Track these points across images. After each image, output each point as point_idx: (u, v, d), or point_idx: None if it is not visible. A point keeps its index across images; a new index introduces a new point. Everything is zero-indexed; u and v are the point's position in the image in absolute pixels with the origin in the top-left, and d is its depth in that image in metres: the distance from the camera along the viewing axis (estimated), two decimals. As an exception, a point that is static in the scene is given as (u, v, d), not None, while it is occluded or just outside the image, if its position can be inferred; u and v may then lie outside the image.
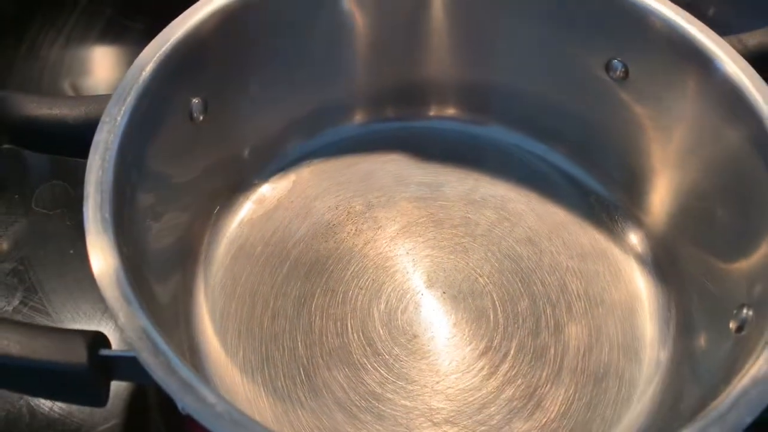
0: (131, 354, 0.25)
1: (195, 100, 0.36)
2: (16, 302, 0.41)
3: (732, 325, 0.31)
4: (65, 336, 0.27)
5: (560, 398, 0.36)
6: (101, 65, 0.56)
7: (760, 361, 0.25)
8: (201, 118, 0.37)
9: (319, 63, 0.40)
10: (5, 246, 0.43)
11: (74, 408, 0.38)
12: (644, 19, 0.35)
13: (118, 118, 0.31)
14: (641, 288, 0.39)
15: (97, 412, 0.37)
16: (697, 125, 0.36)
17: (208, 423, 0.23)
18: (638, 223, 0.41)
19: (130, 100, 0.32)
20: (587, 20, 0.37)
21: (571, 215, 0.42)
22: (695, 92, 0.35)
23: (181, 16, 0.35)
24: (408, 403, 0.36)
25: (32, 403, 0.37)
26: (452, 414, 0.36)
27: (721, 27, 0.67)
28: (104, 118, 0.31)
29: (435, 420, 0.35)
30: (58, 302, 0.41)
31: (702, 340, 0.34)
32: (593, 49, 0.38)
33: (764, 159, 0.31)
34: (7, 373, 0.26)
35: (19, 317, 0.40)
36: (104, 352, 0.27)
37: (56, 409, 0.37)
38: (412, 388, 0.36)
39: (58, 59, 0.54)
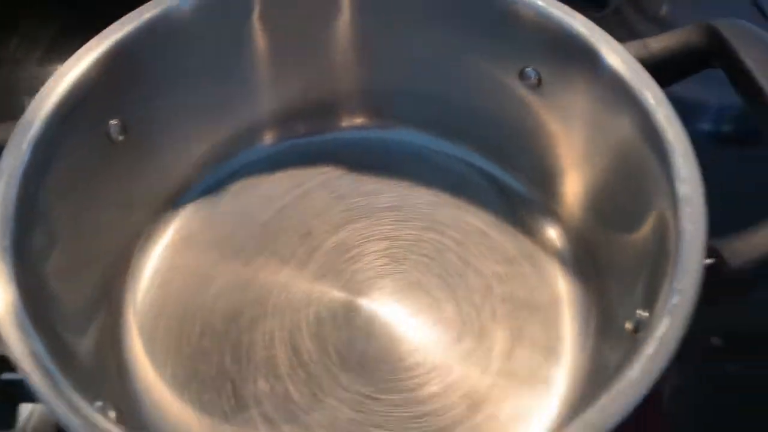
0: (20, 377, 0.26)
1: (113, 122, 0.37)
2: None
3: (628, 325, 0.32)
4: (-35, 362, 0.27)
5: (484, 400, 0.37)
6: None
7: (637, 363, 0.25)
8: (120, 138, 0.37)
9: (228, 84, 0.40)
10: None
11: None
12: (542, 26, 0.36)
13: (23, 146, 0.31)
14: (563, 289, 0.40)
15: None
16: (594, 123, 0.37)
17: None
18: (557, 219, 0.42)
19: (37, 125, 0.32)
20: (494, 30, 0.38)
21: (494, 218, 0.42)
22: (588, 92, 0.36)
23: (93, 39, 0.35)
24: (335, 414, 0.36)
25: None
26: (381, 420, 0.36)
27: (669, 26, 0.68)
28: (9, 146, 0.31)
29: (362, 429, 0.36)
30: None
31: (612, 343, 0.35)
32: (506, 58, 0.39)
33: (650, 147, 0.33)
34: None
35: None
36: (6, 376, 0.27)
37: None
38: (339, 396, 0.37)
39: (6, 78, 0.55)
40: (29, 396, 0.28)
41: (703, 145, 0.33)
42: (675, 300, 0.27)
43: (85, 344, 0.35)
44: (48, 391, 0.25)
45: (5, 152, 0.31)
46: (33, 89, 0.54)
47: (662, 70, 0.36)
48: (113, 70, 0.36)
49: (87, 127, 0.35)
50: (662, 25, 0.69)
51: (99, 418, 0.24)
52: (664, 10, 0.67)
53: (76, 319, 0.34)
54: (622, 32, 0.65)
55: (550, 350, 0.38)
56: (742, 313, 0.41)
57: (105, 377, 0.36)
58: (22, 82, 0.55)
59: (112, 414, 0.29)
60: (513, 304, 0.40)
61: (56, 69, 0.54)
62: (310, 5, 0.40)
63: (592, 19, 0.36)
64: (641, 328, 0.30)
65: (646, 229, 0.33)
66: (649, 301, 0.29)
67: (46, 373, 0.25)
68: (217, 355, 0.38)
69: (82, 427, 0.24)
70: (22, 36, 0.58)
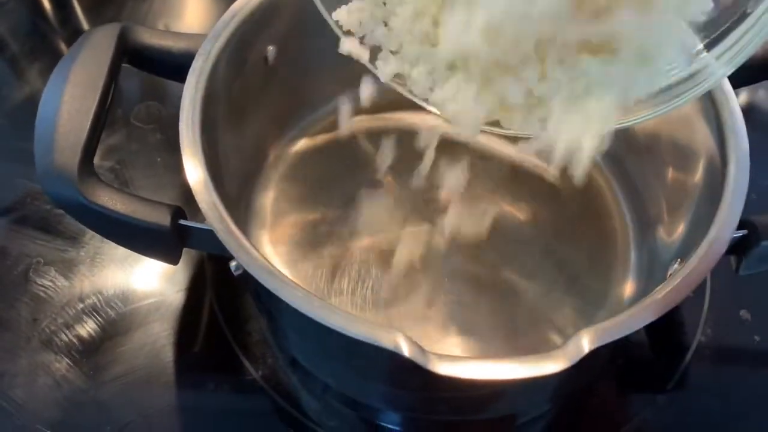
0: (205, 227, 0.34)
1: (270, 48, 0.45)
2: (112, 192, 0.51)
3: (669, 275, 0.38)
4: (156, 205, 0.36)
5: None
6: (192, 12, 0.65)
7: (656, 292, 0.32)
8: (274, 62, 0.46)
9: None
10: (107, 150, 0.54)
11: (148, 280, 0.48)
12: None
13: (211, 52, 0.40)
14: (621, 246, 0.47)
15: (171, 284, 0.47)
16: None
17: (254, 272, 0.32)
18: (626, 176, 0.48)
19: (221, 39, 0.40)
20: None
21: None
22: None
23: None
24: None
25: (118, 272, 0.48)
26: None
27: None
28: (200, 51, 0.40)
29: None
30: (145, 195, 0.50)
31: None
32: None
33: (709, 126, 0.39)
34: (111, 224, 0.36)
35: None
36: (182, 221, 0.36)
37: (129, 278, 0.48)
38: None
39: (158, 6, 0.64)
40: (193, 241, 0.37)
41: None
42: (704, 250, 0.33)
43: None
44: (223, 231, 0.33)
45: (198, 56, 0.40)
46: (179, 15, 0.65)
47: (739, 71, 0.41)
48: (277, 8, 0.43)
49: (252, 48, 0.44)
50: None
51: (256, 253, 0.33)
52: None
53: (229, 187, 0.42)
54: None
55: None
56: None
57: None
58: (173, 7, 0.64)
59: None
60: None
61: (202, 2, 0.65)
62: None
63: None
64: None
65: (695, 187, 0.40)
66: (685, 253, 0.35)
67: (221, 218, 0.34)
68: (323, 247, 0.46)
69: (244, 256, 0.33)
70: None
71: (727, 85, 0.39)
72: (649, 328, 0.32)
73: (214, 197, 0.35)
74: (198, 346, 0.46)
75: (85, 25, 0.65)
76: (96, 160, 0.52)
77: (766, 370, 0.45)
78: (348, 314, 0.30)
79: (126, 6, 0.64)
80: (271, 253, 0.46)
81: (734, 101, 0.38)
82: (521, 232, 0.47)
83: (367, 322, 0.30)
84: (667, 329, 0.46)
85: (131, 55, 0.41)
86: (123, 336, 0.45)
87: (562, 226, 0.47)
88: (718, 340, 0.45)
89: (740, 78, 0.40)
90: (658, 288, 0.33)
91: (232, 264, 0.36)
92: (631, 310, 0.32)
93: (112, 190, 0.36)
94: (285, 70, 0.46)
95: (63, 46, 0.63)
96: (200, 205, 0.34)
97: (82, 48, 0.39)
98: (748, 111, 0.59)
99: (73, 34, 0.63)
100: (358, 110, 0.51)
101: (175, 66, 0.41)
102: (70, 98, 0.37)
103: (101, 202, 0.35)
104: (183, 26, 0.64)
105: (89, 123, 0.36)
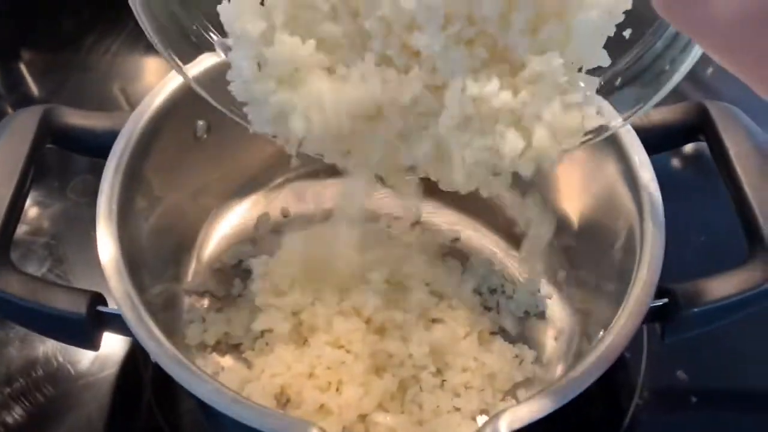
0: (119, 312, 0.34)
1: (200, 122, 0.45)
2: (44, 270, 0.50)
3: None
4: (72, 292, 0.35)
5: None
6: (147, 74, 0.65)
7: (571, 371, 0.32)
8: (205, 137, 0.46)
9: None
10: (41, 224, 0.53)
11: (79, 360, 0.46)
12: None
13: (134, 133, 0.40)
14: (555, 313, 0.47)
15: (103, 364, 0.46)
16: (590, 169, 0.44)
17: (162, 364, 0.32)
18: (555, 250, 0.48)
19: (145, 118, 0.40)
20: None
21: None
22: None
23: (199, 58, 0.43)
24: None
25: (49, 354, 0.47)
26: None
27: (712, 90, 0.71)
28: (123, 131, 0.40)
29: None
30: (79, 272, 0.50)
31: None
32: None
33: (632, 197, 0.40)
34: (26, 313, 0.35)
35: (45, 282, 0.49)
36: (100, 308, 0.35)
37: (60, 359, 0.46)
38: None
39: (108, 69, 0.64)
40: (113, 326, 0.37)
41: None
42: (621, 322, 0.33)
43: (158, 290, 0.42)
44: (134, 320, 0.33)
45: (120, 136, 0.39)
46: (133, 78, 0.65)
47: (658, 137, 0.42)
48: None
49: (180, 124, 0.44)
50: (706, 89, 0.72)
51: (169, 346, 0.32)
52: (709, 72, 0.70)
53: (155, 269, 0.42)
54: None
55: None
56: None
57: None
58: (124, 72, 0.64)
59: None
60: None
61: (155, 63, 0.65)
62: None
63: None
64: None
65: (617, 263, 0.40)
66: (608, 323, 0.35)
67: (134, 307, 0.33)
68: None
69: (157, 350, 0.32)
70: (127, 35, 0.67)
71: (643, 154, 0.39)
72: (587, 392, 0.32)
73: (127, 283, 0.34)
74: (131, 428, 0.44)
75: (35, 90, 0.64)
76: (29, 235, 0.52)
77: (703, 430, 0.45)
78: (261, 408, 0.30)
79: (74, 71, 0.64)
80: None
81: (650, 170, 0.39)
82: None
83: (279, 415, 0.30)
84: (604, 393, 0.45)
85: (55, 136, 0.41)
86: (53, 420, 0.44)
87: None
88: (655, 402, 0.45)
89: (650, 145, 0.41)
90: (578, 365, 0.32)
91: (151, 352, 0.35)
92: (547, 390, 0.31)
93: (26, 279, 0.35)
94: (215, 146, 0.46)
95: (11, 112, 0.63)
96: (112, 292, 0.34)
97: (1, 134, 0.39)
98: (697, 158, 0.60)
99: (23, 99, 0.62)
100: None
101: (99, 146, 0.40)
102: (-13, 187, 0.37)
103: (14, 291, 0.35)
104: (140, 86, 0.63)
105: (4, 212, 0.36)
